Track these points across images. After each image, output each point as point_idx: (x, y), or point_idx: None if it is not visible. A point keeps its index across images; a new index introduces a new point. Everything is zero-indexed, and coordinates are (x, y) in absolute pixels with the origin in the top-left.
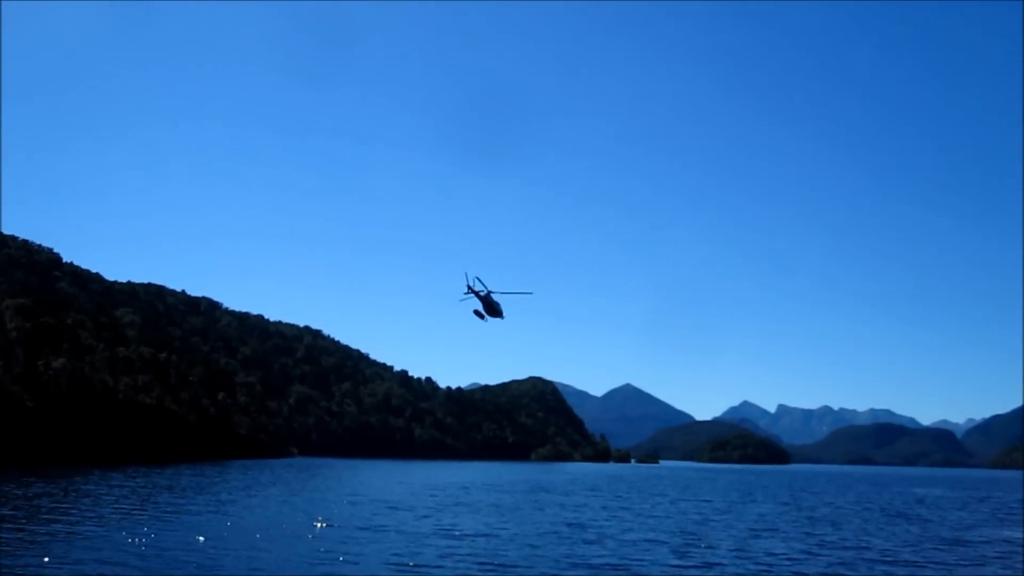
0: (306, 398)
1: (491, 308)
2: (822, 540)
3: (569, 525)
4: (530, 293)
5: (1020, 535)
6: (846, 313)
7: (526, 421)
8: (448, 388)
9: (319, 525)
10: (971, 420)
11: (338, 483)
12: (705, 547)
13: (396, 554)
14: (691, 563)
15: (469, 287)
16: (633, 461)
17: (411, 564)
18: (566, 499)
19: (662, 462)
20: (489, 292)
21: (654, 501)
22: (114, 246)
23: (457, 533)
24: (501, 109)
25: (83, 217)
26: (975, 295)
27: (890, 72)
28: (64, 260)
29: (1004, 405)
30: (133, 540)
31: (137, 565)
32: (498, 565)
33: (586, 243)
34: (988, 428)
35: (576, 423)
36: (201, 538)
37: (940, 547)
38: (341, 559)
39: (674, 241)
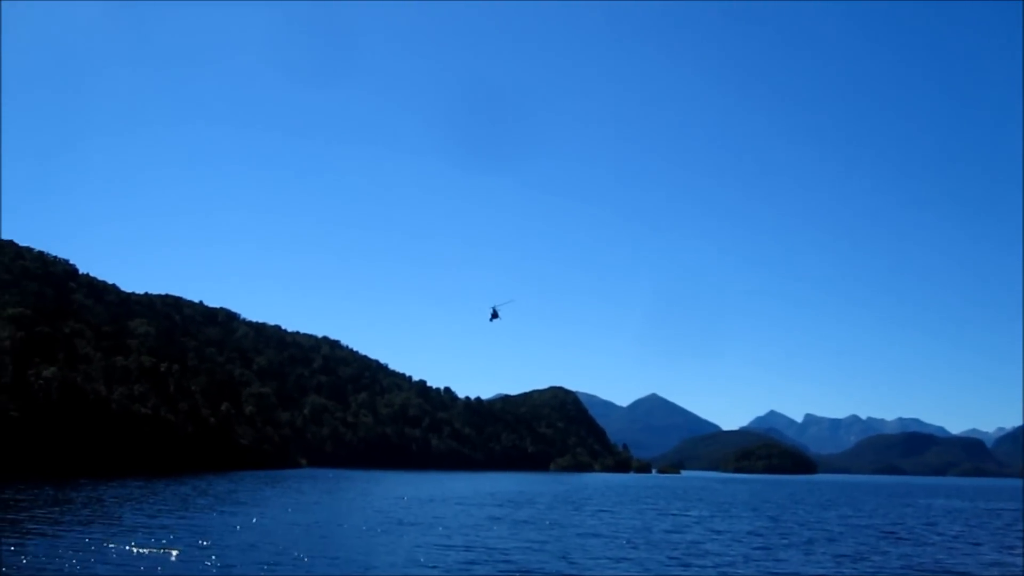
0: (321, 408)
1: (495, 315)
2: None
3: (466, 549)
4: (512, 300)
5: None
6: (874, 322)
7: (546, 431)
8: (467, 398)
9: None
10: (1001, 429)
11: (294, 496)
12: None
13: None
14: None
15: (494, 309)
16: (654, 471)
17: None
18: (519, 512)
19: (685, 472)
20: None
21: (624, 515)
22: (132, 258)
23: (304, 559)
24: (509, 110)
25: (100, 228)
26: (1004, 303)
27: (890, 73)
28: (80, 272)
29: None
30: None
31: None
32: None
33: (616, 255)
34: (1018, 437)
35: (598, 433)
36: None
37: None
38: None
39: (699, 252)
